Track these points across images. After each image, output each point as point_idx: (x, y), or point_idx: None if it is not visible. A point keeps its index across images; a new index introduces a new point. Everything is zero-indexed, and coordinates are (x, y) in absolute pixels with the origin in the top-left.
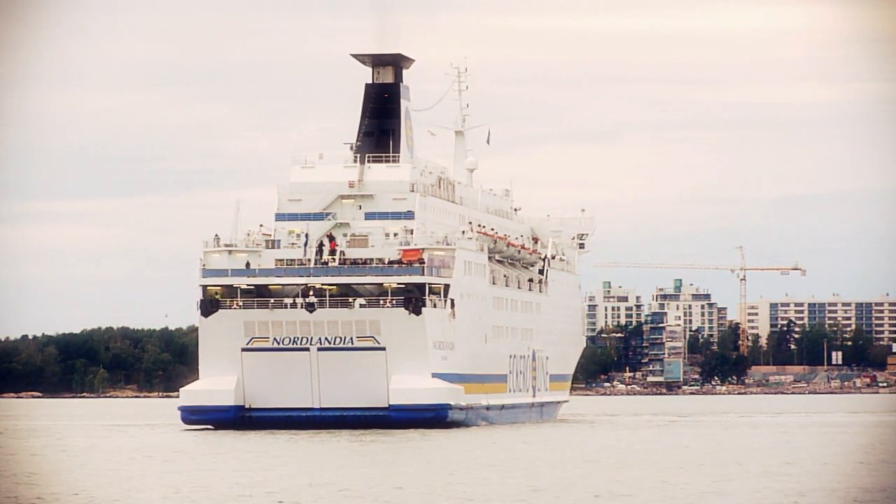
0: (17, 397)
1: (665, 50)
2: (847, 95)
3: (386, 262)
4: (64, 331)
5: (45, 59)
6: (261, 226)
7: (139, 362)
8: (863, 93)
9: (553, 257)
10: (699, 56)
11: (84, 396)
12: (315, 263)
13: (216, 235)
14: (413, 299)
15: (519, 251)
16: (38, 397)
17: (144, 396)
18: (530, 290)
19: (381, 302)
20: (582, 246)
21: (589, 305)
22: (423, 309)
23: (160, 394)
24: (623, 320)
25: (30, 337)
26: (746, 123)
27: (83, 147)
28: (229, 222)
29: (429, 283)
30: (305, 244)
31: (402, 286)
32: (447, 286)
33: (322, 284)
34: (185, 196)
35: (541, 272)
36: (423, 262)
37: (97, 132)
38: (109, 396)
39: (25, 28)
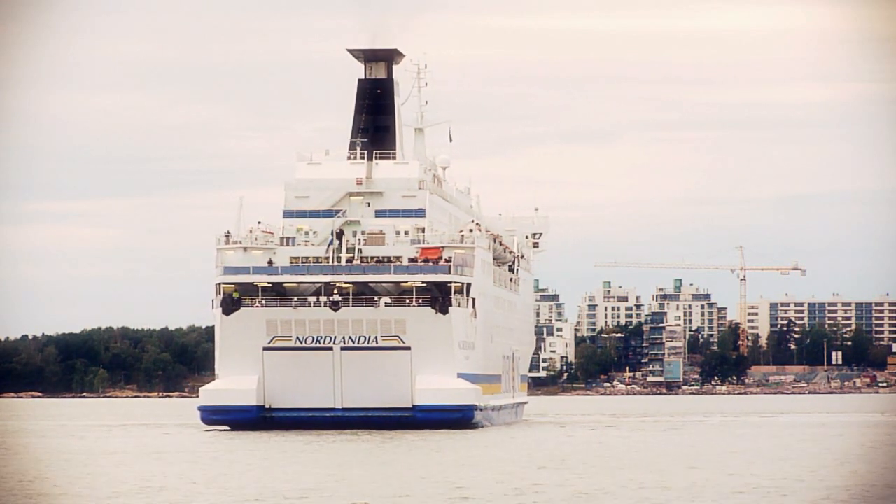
0: (17, 397)
1: (664, 50)
2: (847, 95)
3: (405, 260)
4: (64, 331)
5: (45, 59)
6: (259, 223)
7: (139, 362)
8: (863, 93)
9: (521, 256)
10: (698, 56)
11: (84, 396)
12: (334, 260)
13: (227, 232)
14: (440, 298)
15: (505, 250)
16: (38, 397)
17: (144, 396)
18: (510, 289)
19: (407, 301)
20: (536, 245)
21: (589, 305)
22: (450, 308)
23: (160, 394)
24: (623, 320)
25: (30, 337)
26: (746, 123)
27: (83, 147)
28: (232, 220)
29: (453, 283)
30: (330, 243)
31: (424, 285)
32: (468, 285)
33: (346, 283)
34: (184, 196)
35: (511, 269)
36: (449, 261)
37: (97, 132)
38: (109, 396)
39: (25, 28)
